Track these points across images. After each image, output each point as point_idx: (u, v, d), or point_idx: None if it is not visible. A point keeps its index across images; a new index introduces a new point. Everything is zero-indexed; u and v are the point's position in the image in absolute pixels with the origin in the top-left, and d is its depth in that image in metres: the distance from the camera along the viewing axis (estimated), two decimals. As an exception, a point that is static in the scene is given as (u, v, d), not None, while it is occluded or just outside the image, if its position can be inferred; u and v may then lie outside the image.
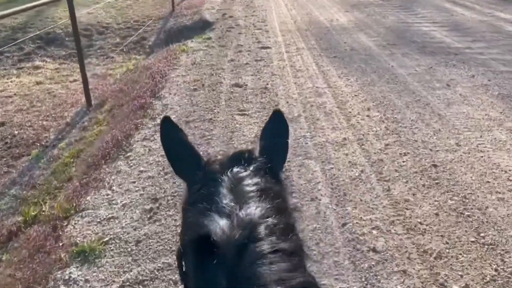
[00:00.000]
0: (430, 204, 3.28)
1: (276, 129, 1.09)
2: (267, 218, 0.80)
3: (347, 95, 5.57)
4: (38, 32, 11.05)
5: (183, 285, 0.97)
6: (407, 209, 3.24)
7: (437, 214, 3.16)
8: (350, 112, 5.05)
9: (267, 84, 6.08)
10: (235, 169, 0.92)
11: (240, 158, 0.96)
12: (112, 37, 11.66)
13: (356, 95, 5.54)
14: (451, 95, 5.45)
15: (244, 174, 0.91)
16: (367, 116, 4.92)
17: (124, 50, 10.70)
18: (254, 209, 0.81)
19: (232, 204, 0.82)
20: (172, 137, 1.07)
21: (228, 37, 8.89)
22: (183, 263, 0.90)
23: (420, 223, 3.06)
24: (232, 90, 5.91)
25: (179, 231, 1.16)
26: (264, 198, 0.84)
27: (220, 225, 0.77)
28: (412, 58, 7.03)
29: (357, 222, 3.09)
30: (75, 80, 8.16)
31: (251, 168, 0.93)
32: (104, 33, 11.95)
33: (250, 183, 0.88)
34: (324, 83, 6.00)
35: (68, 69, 9.31)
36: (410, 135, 4.43)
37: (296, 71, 6.57)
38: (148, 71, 7.09)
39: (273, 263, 0.72)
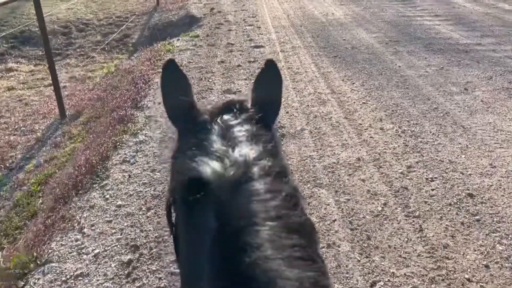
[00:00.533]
0: (475, 250, 2.67)
1: (269, 80, 1.06)
2: (261, 159, 0.78)
3: (354, 102, 4.93)
4: (11, 31, 10.25)
5: (172, 240, 0.96)
6: (448, 258, 2.61)
7: (487, 267, 2.54)
8: (360, 124, 4.41)
9: (263, 90, 5.43)
10: (226, 116, 0.90)
11: (232, 107, 0.94)
12: (93, 35, 10.89)
13: (364, 103, 4.91)
14: (471, 102, 4.84)
15: (235, 121, 0.88)
16: (381, 129, 4.29)
17: (106, 48, 9.95)
18: (247, 150, 0.79)
19: (224, 148, 0.80)
20: (173, 81, 1.04)
21: (217, 35, 8.18)
22: (173, 213, 0.91)
23: (469, 279, 2.45)
24: (223, 98, 5.24)
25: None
26: (256, 142, 0.83)
27: (211, 166, 0.75)
28: (420, 57, 6.41)
29: (388, 280, 2.46)
30: (50, 84, 7.42)
31: (242, 116, 0.91)
32: (85, 30, 11.16)
33: (241, 129, 0.86)
34: (327, 88, 5.35)
35: (44, 71, 8.51)
36: (433, 153, 3.81)
37: (294, 74, 5.91)
38: (130, 76, 6.38)
39: (269, 201, 0.69)
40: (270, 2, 11.26)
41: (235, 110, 0.93)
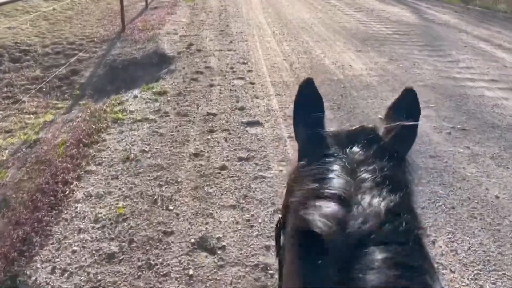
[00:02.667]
0: None
1: (405, 109, 0.90)
2: (394, 214, 0.61)
3: None
4: None
5: (277, 261, 0.90)
6: None
7: None
8: None
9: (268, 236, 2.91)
10: (355, 148, 0.76)
11: (362, 136, 0.79)
12: (31, 67, 8.25)
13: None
14: None
15: (365, 155, 0.74)
16: None
17: (44, 89, 7.34)
18: (379, 200, 0.63)
19: (348, 188, 0.66)
20: (307, 98, 0.96)
21: (193, 94, 5.67)
22: (281, 241, 0.84)
23: None
24: (196, 261, 2.71)
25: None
26: (390, 188, 0.66)
27: (330, 214, 0.62)
28: (512, 167, 4.02)
29: None
30: None
31: (374, 148, 0.75)
32: (21, 60, 8.52)
33: (373, 168, 0.70)
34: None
35: None
36: None
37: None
38: (41, 176, 3.76)
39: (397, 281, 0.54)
40: (265, 40, 8.83)
41: (365, 140, 0.77)
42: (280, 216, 0.87)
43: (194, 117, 4.92)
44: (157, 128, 4.65)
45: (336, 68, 7.01)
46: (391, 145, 0.78)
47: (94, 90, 7.27)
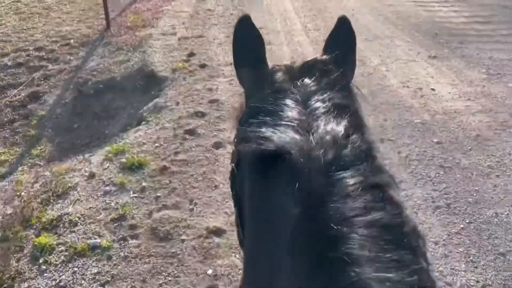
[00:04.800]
0: None
1: (342, 39, 0.95)
2: (350, 138, 0.64)
3: None
4: None
5: (236, 209, 0.86)
6: None
7: None
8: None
9: None
10: (307, 80, 0.77)
11: (312, 68, 0.81)
12: (-23, 90, 6.06)
13: None
14: None
15: (318, 86, 0.75)
16: None
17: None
18: (335, 126, 0.65)
19: (304, 118, 0.67)
20: (245, 38, 0.94)
21: (185, 175, 3.31)
22: (237, 183, 0.81)
23: None
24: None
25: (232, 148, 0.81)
26: (342, 114, 0.68)
27: (296, 140, 0.62)
28: None
29: None
30: None
31: (325, 80, 0.77)
32: (-37, 79, 6.33)
33: (325, 98, 0.72)
34: None
35: None
36: None
37: None
38: None
39: (369, 201, 0.56)
40: (294, 39, 6.30)
41: (317, 72, 0.78)
42: (233, 164, 0.82)
43: (183, 250, 2.58)
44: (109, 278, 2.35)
45: (412, 95, 4.51)
46: (337, 75, 0.77)
47: (56, 128, 5.08)
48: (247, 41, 0.93)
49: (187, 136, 3.83)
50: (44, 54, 6.75)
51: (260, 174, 0.65)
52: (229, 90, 4.68)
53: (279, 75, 0.80)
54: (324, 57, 0.86)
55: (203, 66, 5.41)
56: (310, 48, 5.93)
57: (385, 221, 0.55)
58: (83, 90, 5.52)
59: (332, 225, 0.53)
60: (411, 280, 0.50)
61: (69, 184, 3.29)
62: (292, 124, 0.65)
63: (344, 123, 0.66)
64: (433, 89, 4.61)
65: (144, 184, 3.20)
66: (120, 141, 3.90)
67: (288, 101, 0.70)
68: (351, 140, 0.63)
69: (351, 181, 0.57)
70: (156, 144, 3.75)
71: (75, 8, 9.21)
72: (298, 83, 0.75)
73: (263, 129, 0.65)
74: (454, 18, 7.28)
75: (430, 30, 6.66)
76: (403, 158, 3.42)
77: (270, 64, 0.89)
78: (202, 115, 4.18)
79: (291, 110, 0.68)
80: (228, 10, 8.04)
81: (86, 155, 3.84)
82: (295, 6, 8.31)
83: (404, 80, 4.87)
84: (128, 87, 5.36)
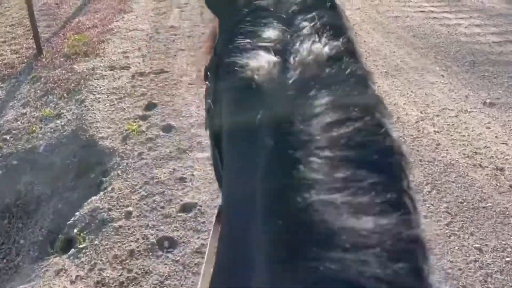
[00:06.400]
0: None
1: None
2: (336, 58, 0.54)
3: None
4: None
5: (212, 149, 0.78)
6: None
7: None
8: None
9: None
10: None
11: None
12: None
13: None
14: None
15: (303, 4, 0.63)
16: None
17: None
18: (319, 45, 0.56)
19: (286, 38, 0.57)
20: None
21: None
22: (214, 119, 0.73)
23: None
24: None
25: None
26: (331, 34, 0.58)
27: (268, 62, 0.54)
28: None
29: None
30: None
31: None
32: None
33: (313, 16, 0.60)
34: None
35: None
36: None
37: None
38: None
39: (343, 121, 0.48)
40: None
41: None
42: (209, 100, 0.74)
43: None
44: None
45: (496, 186, 2.94)
46: None
47: None
48: None
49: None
50: None
51: (234, 105, 0.59)
52: (212, 179, 2.97)
53: None
54: None
55: (168, 129, 3.66)
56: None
57: (363, 150, 0.46)
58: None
59: (292, 148, 0.47)
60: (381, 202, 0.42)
61: None
62: (273, 46, 0.56)
63: (331, 43, 0.56)
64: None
65: None
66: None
67: (270, 20, 0.60)
68: (337, 61, 0.54)
69: (321, 102, 0.49)
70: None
71: (5, 20, 7.24)
72: (280, 0, 0.63)
73: (239, 56, 0.57)
74: (481, 37, 5.82)
75: (462, 55, 5.14)
76: None
77: None
78: (170, 244, 2.46)
79: (274, 30, 0.58)
80: (198, 27, 6.28)
81: None
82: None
83: (469, 150, 3.30)
84: (56, 164, 3.56)
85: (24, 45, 6.13)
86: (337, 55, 0.55)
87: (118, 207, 2.80)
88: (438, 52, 5.28)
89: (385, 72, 4.69)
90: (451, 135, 3.51)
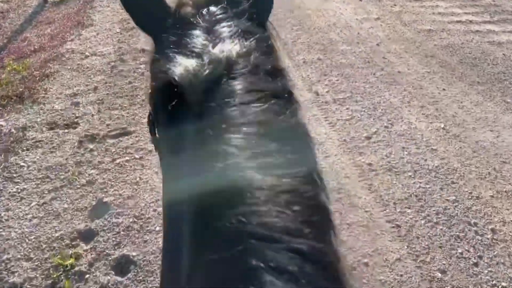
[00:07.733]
0: None
1: None
2: (248, 56, 0.66)
3: None
4: None
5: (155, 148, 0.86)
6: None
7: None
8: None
9: None
10: (213, 9, 0.75)
11: (219, 1, 0.78)
12: None
13: None
14: None
15: (224, 15, 0.73)
16: None
17: None
18: (230, 46, 0.67)
19: (205, 43, 0.68)
20: None
21: None
22: (154, 122, 0.80)
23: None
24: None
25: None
26: (246, 38, 0.69)
27: (185, 65, 0.64)
28: None
29: None
30: None
31: (234, 10, 0.75)
32: None
33: (230, 24, 0.71)
34: None
35: None
36: None
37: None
38: None
39: (248, 103, 0.59)
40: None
41: (224, 2, 0.77)
42: (149, 104, 0.81)
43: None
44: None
45: None
46: (250, 7, 0.76)
47: None
48: None
49: None
50: None
51: (162, 102, 0.65)
52: None
53: (186, 10, 0.76)
54: None
55: (124, 267, 2.18)
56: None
57: (267, 124, 0.56)
58: None
59: (208, 126, 0.56)
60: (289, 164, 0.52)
61: None
62: (195, 50, 0.64)
63: (244, 43, 0.65)
64: None
65: None
66: None
67: (195, 31, 0.69)
68: (247, 57, 0.63)
69: (230, 89, 0.59)
70: None
71: None
72: (205, 13, 0.73)
73: (167, 63, 0.65)
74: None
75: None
76: None
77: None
78: None
79: (197, 38, 0.67)
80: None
81: None
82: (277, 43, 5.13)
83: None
84: None
85: None
86: (247, 52, 0.64)
87: None
88: (503, 90, 3.87)
89: (443, 129, 3.26)
90: None
